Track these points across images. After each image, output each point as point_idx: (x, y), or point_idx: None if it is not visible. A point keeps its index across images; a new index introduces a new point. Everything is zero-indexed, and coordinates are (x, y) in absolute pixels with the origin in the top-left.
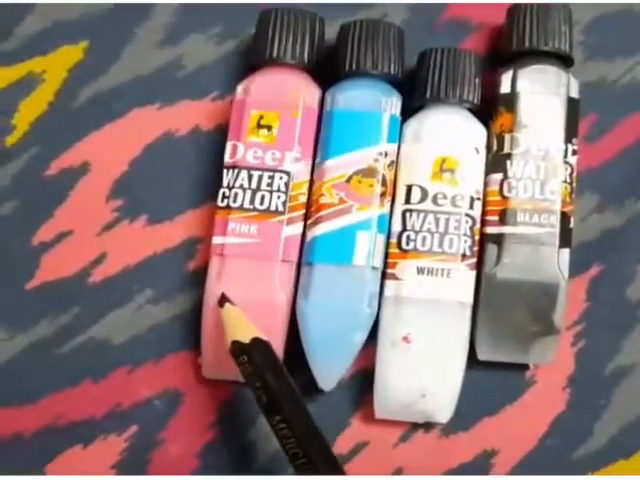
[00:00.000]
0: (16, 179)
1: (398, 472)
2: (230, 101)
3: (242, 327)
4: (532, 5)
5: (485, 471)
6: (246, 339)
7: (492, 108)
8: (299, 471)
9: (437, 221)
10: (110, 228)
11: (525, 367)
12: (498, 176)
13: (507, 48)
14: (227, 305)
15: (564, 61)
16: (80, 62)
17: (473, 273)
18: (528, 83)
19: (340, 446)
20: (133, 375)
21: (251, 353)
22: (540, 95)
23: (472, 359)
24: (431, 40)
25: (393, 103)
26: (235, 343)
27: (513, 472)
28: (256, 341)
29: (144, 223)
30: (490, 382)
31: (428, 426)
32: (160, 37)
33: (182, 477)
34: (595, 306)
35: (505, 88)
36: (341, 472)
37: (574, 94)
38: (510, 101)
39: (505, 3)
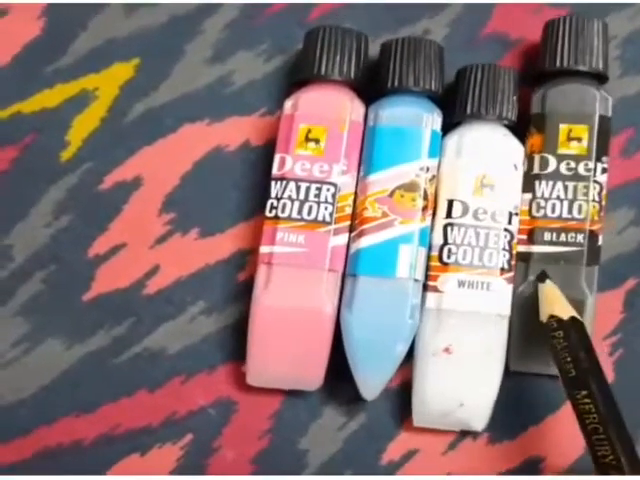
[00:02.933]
0: (71, 193)
1: (448, 479)
2: (278, 117)
3: (561, 305)
4: (568, 21)
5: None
6: (565, 316)
7: (526, 127)
8: (594, 445)
9: (477, 235)
10: (163, 241)
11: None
12: (527, 196)
13: (539, 67)
14: (548, 281)
15: (598, 78)
16: (132, 79)
17: (511, 286)
18: (557, 103)
19: (391, 454)
20: (187, 385)
21: (569, 329)
22: (569, 115)
23: (513, 372)
24: (471, 55)
25: (434, 119)
26: (553, 317)
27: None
28: (574, 320)
29: (196, 236)
30: (534, 391)
31: (475, 434)
32: (209, 54)
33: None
34: (632, 317)
35: (536, 108)
36: (635, 454)
37: (606, 112)
38: (540, 121)
39: (545, 18)
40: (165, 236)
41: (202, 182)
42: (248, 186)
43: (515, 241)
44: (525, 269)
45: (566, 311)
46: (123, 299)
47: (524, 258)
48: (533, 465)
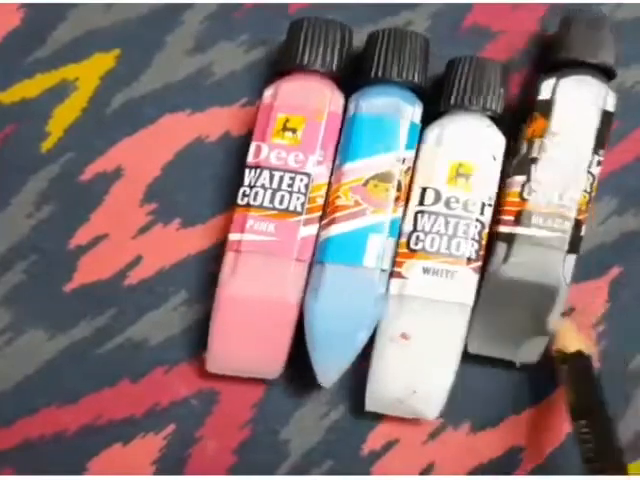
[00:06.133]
0: (52, 184)
1: (428, 468)
2: (259, 107)
3: (573, 336)
4: (584, 16)
5: (514, 466)
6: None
7: (528, 112)
8: (588, 473)
9: (447, 224)
10: (145, 231)
11: (548, 367)
12: (521, 178)
13: (553, 56)
14: (565, 320)
15: (607, 74)
16: (112, 69)
17: (477, 277)
18: (567, 92)
19: (372, 443)
20: (170, 375)
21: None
22: (576, 105)
23: (497, 360)
24: (453, 47)
25: (414, 110)
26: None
27: (540, 468)
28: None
29: (177, 226)
30: (516, 382)
31: (457, 424)
32: (190, 45)
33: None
34: (617, 306)
35: (544, 95)
36: None
37: (610, 107)
38: (546, 108)
39: (528, 11)
40: (147, 226)
41: (183, 172)
42: (229, 176)
43: (486, 231)
44: (507, 250)
45: (574, 345)
46: (105, 289)
47: (507, 239)
48: (514, 455)
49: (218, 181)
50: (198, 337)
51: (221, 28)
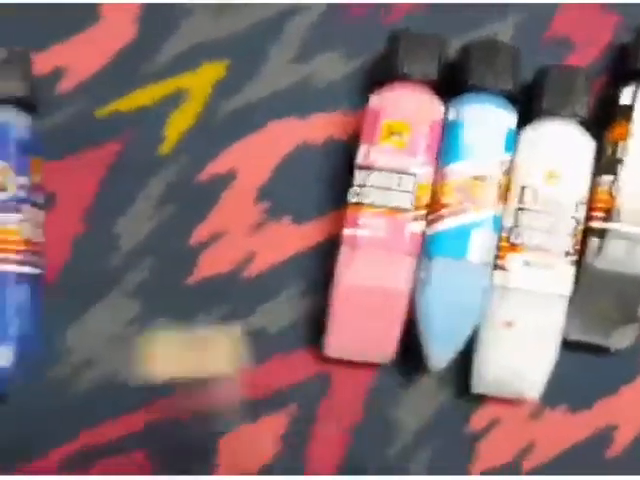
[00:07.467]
0: (170, 186)
1: (530, 446)
2: (359, 113)
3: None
4: None
5: (608, 444)
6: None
7: (610, 117)
8: None
9: (545, 220)
10: (258, 229)
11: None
12: (609, 177)
13: (631, 64)
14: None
15: None
16: (222, 79)
17: (573, 269)
18: None
19: (475, 424)
20: (288, 360)
21: None
22: None
23: (592, 346)
24: (535, 56)
25: (510, 117)
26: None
27: (632, 445)
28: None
29: (289, 224)
30: (608, 365)
31: (554, 404)
32: (293, 55)
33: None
34: None
35: (625, 100)
36: None
37: None
38: (627, 113)
39: (605, 22)
40: (260, 224)
41: (292, 174)
42: (334, 177)
43: (580, 227)
44: (599, 244)
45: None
46: (224, 283)
47: (599, 234)
48: (608, 433)
49: (324, 182)
50: (311, 326)
51: (322, 39)
